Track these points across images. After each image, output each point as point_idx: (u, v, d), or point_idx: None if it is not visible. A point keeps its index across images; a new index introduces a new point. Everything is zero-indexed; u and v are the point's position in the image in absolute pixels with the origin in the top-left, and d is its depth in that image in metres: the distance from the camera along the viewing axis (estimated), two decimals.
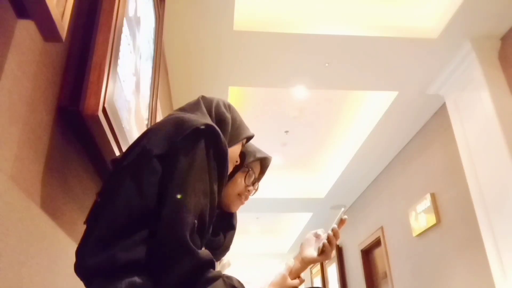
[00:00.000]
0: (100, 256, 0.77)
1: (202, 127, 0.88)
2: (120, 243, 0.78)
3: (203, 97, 1.12)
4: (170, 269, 0.76)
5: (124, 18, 1.29)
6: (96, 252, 0.78)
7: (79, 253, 0.82)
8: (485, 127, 2.82)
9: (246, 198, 1.24)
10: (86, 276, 0.80)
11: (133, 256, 0.77)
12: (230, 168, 1.10)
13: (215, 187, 0.88)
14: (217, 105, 1.10)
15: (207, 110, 1.06)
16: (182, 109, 1.07)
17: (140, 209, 0.81)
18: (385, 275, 4.89)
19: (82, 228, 0.85)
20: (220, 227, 1.20)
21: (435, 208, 3.74)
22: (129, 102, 1.44)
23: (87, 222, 0.87)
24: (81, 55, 1.14)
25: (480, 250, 2.98)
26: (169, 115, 0.99)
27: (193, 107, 1.06)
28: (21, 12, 0.76)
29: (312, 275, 7.95)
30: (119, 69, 1.24)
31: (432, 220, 3.77)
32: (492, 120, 2.74)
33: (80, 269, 0.80)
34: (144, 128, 1.76)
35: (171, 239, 0.77)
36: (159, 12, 2.07)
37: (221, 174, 0.91)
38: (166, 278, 0.77)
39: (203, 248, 0.84)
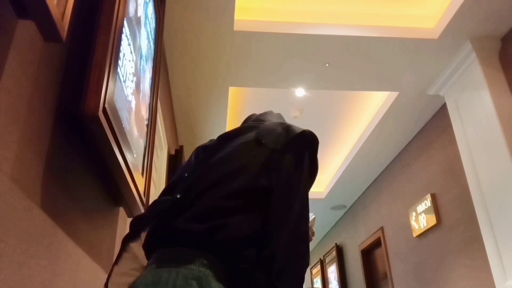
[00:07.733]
0: None
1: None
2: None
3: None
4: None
5: (125, 18, 1.29)
6: None
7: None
8: (485, 128, 2.82)
9: None
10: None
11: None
12: None
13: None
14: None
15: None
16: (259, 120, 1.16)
17: None
18: (385, 276, 4.88)
19: (82, 228, 0.84)
20: None
21: (435, 208, 3.74)
22: (130, 102, 1.44)
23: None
24: (81, 55, 1.14)
25: (480, 251, 2.97)
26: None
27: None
28: (21, 12, 0.76)
29: (312, 275, 7.94)
30: (119, 69, 1.24)
31: (432, 220, 3.77)
32: (493, 121, 2.73)
33: None
34: (144, 128, 1.76)
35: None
36: (159, 12, 2.07)
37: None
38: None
39: None
